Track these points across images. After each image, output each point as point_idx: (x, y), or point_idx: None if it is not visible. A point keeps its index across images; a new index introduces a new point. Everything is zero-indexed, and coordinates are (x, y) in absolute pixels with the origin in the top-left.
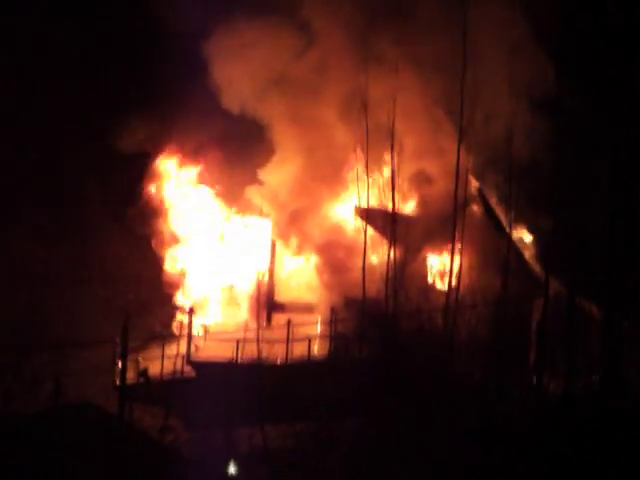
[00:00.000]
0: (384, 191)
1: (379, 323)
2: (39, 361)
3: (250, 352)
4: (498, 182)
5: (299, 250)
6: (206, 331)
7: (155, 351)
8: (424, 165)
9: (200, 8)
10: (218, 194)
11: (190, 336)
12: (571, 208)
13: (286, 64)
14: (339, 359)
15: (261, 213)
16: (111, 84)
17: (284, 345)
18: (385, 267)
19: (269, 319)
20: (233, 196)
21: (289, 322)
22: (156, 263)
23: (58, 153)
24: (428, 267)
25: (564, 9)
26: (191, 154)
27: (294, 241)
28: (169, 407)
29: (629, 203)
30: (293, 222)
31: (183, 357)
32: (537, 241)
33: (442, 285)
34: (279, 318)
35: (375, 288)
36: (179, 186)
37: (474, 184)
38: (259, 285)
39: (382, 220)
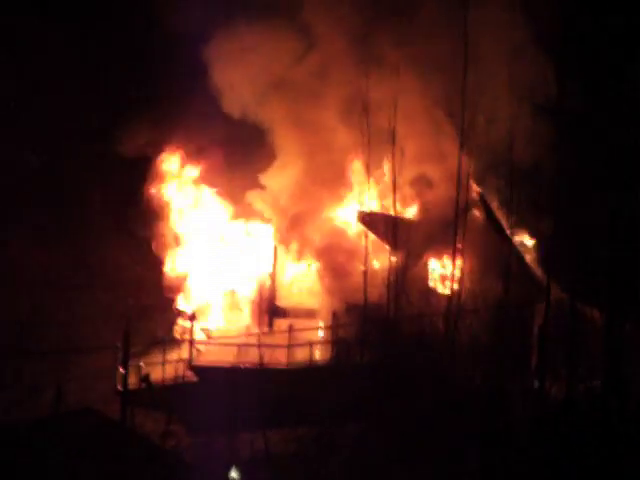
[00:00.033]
0: (385, 196)
1: (380, 328)
2: (40, 366)
3: (252, 357)
4: (499, 186)
5: (300, 255)
6: (208, 336)
7: (157, 356)
8: (425, 169)
9: (201, 9)
10: (220, 198)
11: (192, 341)
12: (572, 211)
13: (287, 68)
14: (341, 364)
15: (262, 218)
16: (112, 85)
17: (286, 350)
18: (386, 272)
19: (271, 324)
20: (235, 200)
21: (291, 327)
22: (157, 268)
23: (58, 155)
24: (429, 271)
25: (564, 11)
26: (192, 157)
27: (295, 246)
28: (171, 412)
29: (630, 206)
30: (294, 227)
31: (185, 362)
32: (538, 245)
33: (443, 289)
34: (281, 323)
35: (377, 293)
36: (180, 189)
37: (475, 189)
38: (261, 290)
39: (383, 225)
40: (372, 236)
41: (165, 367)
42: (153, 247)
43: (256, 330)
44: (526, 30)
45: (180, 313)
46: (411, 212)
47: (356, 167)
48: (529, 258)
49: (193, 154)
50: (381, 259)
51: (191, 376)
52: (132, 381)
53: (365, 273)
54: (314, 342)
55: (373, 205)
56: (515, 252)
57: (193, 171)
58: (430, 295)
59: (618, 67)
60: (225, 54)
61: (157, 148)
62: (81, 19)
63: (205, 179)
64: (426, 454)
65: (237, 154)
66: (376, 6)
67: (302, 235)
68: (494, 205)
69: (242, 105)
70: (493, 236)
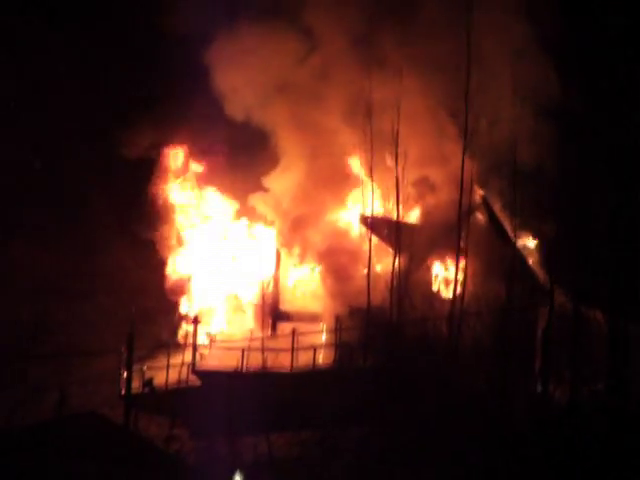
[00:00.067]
0: (388, 199)
1: (384, 332)
2: (44, 370)
3: (255, 361)
4: (502, 188)
5: (303, 258)
6: (211, 340)
7: (160, 360)
8: (428, 172)
9: (202, 11)
10: (223, 201)
11: (195, 345)
12: (575, 212)
13: (289, 70)
14: (344, 368)
15: (266, 221)
16: (114, 87)
17: (289, 354)
18: (390, 275)
19: (274, 328)
20: (238, 203)
21: (294, 331)
22: (161, 271)
23: (61, 157)
24: (432, 275)
25: (566, 13)
26: (195, 159)
27: (298, 249)
28: (174, 416)
29: (633, 207)
30: (297, 230)
31: (188, 366)
32: (541, 247)
33: (447, 293)
34: (284, 327)
35: (380, 296)
36: (183, 192)
37: (479, 192)
38: (264, 294)
39: (386, 228)
40: (375, 239)
41: (169, 371)
42: (157, 247)
43: (259, 334)
44: (528, 31)
45: (184, 317)
46: (414, 215)
47: (359, 170)
48: (532, 261)
49: (196, 156)
50: (384, 262)
51: (194, 380)
52: (136, 385)
53: (368, 277)
54: (317, 346)
55: (376, 208)
56: (518, 255)
57: (196, 173)
58: (433, 299)
59: (619, 68)
60: (227, 57)
61: (160, 150)
62: (82, 19)
63: (208, 182)
64: (429, 458)
65: (240, 157)
66: (378, 7)
67: (305, 238)
68: (497, 207)
69: (245, 108)
70: (496, 239)
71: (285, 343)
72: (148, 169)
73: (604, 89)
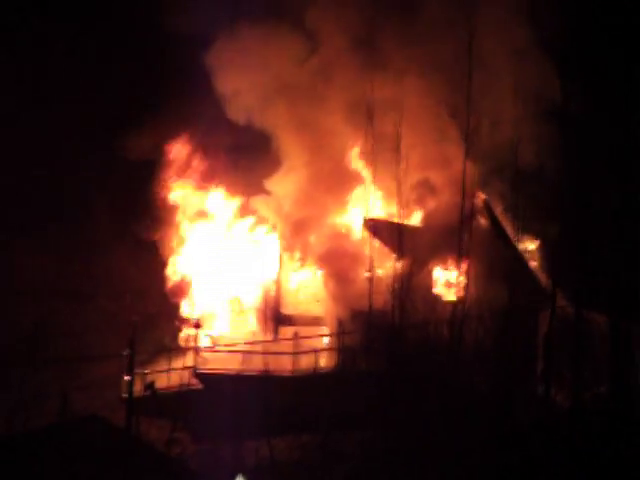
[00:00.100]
0: (390, 202)
1: (386, 335)
2: (46, 374)
3: (257, 364)
4: (504, 191)
5: (304, 261)
6: (213, 343)
7: (162, 364)
8: (430, 175)
9: (203, 13)
10: (225, 203)
11: (197, 349)
12: (577, 214)
13: (290, 72)
14: (346, 371)
15: (268, 224)
16: (115, 89)
17: (291, 357)
18: (391, 279)
19: (276, 331)
20: (240, 206)
21: (296, 334)
22: (162, 275)
23: (62, 161)
24: (434, 278)
25: (567, 14)
26: (197, 161)
27: (299, 252)
28: (176, 420)
29: (635, 208)
30: (298, 233)
31: (190, 369)
32: (543, 251)
33: (448, 296)
34: (286, 330)
35: (382, 300)
36: (185, 191)
37: (480, 196)
38: (266, 297)
39: (388, 232)
40: (377, 242)
41: (170, 375)
42: (159, 248)
43: (261, 337)
44: (530, 33)
45: (185, 320)
46: (416, 218)
47: (360, 172)
48: (534, 265)
49: (198, 159)
50: (386, 266)
51: (196, 384)
52: (137, 389)
53: (370, 280)
54: (319, 349)
55: (378, 212)
56: (520, 258)
57: (198, 173)
58: (435, 302)
59: (621, 69)
60: (228, 59)
61: (162, 149)
62: (83, 19)
63: (211, 182)
64: (432, 461)
65: (242, 159)
66: (379, 8)
67: (306, 241)
68: (498, 210)
69: (246, 110)
70: (498, 242)
71: (287, 346)
72: (150, 170)
73: (605, 90)
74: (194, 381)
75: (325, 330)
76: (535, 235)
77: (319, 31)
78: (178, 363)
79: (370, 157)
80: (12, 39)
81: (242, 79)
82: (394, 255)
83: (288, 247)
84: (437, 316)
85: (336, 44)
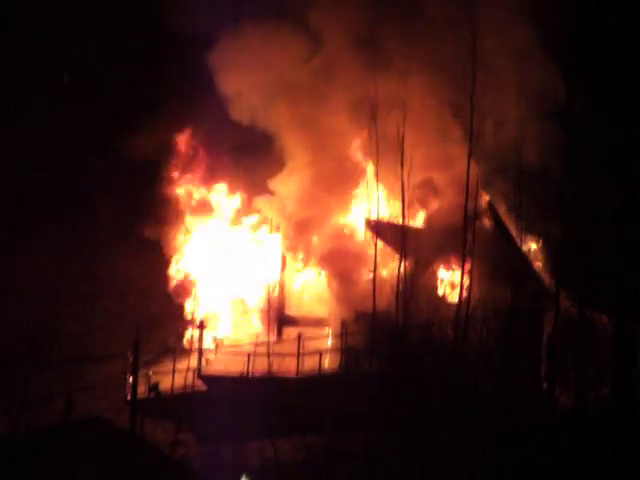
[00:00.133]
0: (393, 203)
1: (390, 336)
2: (50, 376)
3: (261, 366)
4: (507, 191)
5: (306, 262)
6: (217, 345)
7: (166, 365)
8: (433, 176)
9: (206, 13)
10: (229, 204)
11: (201, 350)
12: (580, 215)
13: (293, 72)
14: (350, 372)
15: (271, 225)
16: (117, 89)
17: (295, 359)
18: (395, 280)
19: (280, 333)
20: (244, 206)
21: (300, 336)
22: (166, 276)
23: (64, 161)
24: (438, 279)
25: (569, 15)
26: (200, 161)
27: (302, 253)
28: (180, 421)
29: (637, 208)
30: (301, 233)
31: (194, 371)
32: (547, 251)
33: (452, 297)
34: (290, 332)
35: (385, 301)
36: (189, 194)
37: (484, 197)
38: (270, 298)
39: (392, 233)
40: (380, 243)
41: (174, 376)
42: (162, 246)
43: (265, 339)
44: (532, 33)
45: (189, 322)
46: (420, 220)
47: (364, 172)
48: (537, 265)
49: (201, 158)
50: (390, 267)
51: (200, 385)
52: (141, 390)
53: (374, 281)
54: (323, 351)
55: (382, 212)
56: (524, 259)
57: (201, 175)
58: (439, 303)
59: (622, 69)
60: (231, 60)
61: (165, 151)
62: (84, 19)
63: (213, 184)
64: (436, 461)
65: (245, 160)
66: (382, 7)
67: (310, 242)
68: (502, 210)
69: (249, 110)
70: (502, 243)
71: (291, 348)
72: (152, 170)
73: (608, 90)
74: (198, 382)
75: (329, 331)
76: (538, 235)
77: (322, 31)
78: (182, 364)
79: (373, 157)
80: (12, 39)
81: (245, 79)
82: (397, 256)
83: (291, 248)
84: (441, 317)
85: (339, 44)
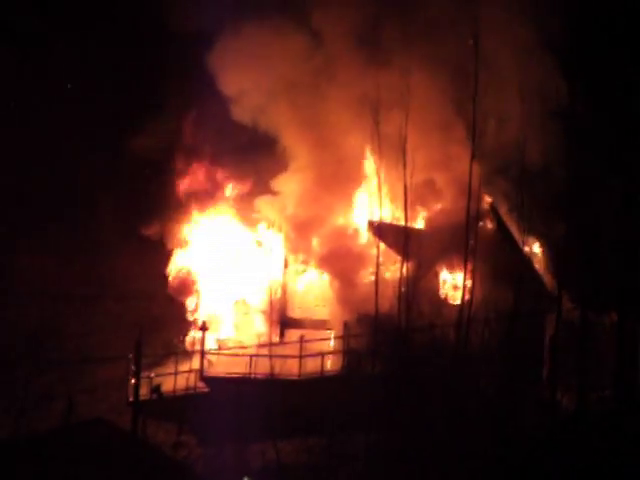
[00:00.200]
0: (396, 204)
1: (392, 338)
2: (51, 377)
3: (263, 367)
4: (508, 190)
5: (307, 263)
6: (219, 346)
7: (168, 367)
8: (435, 177)
9: (206, 12)
10: (231, 205)
11: (203, 352)
12: (582, 215)
13: (295, 71)
14: (352, 374)
15: (273, 226)
16: (118, 88)
17: (297, 360)
18: (397, 282)
19: (282, 334)
20: (246, 207)
21: (302, 337)
22: (167, 274)
23: (65, 161)
24: (440, 281)
25: (570, 14)
26: (201, 161)
27: (304, 254)
28: (182, 423)
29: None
30: (303, 234)
31: (196, 373)
32: (549, 253)
33: (454, 299)
34: (292, 333)
35: (388, 303)
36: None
37: (486, 199)
38: (272, 300)
39: (394, 235)
40: (383, 246)
41: (176, 378)
42: (164, 246)
43: (267, 340)
44: (533, 33)
45: (192, 323)
46: (422, 222)
47: (366, 173)
48: (539, 267)
49: (202, 158)
50: (392, 269)
51: (202, 387)
52: (143, 392)
53: (376, 283)
54: (325, 352)
55: (383, 214)
56: (526, 261)
57: (203, 175)
58: (441, 305)
59: (624, 69)
60: (232, 59)
61: (167, 153)
62: (85, 19)
63: (216, 185)
64: (438, 464)
65: (247, 161)
66: (383, 5)
67: (311, 243)
68: (503, 211)
69: (251, 110)
70: (504, 245)
71: (293, 350)
72: (153, 170)
73: (609, 89)
74: (200, 384)
75: (331, 333)
76: (540, 236)
77: (323, 29)
78: (184, 366)
79: (376, 155)
80: (12, 39)
81: (246, 78)
82: (399, 258)
83: (293, 249)
84: (443, 319)
85: (340, 42)
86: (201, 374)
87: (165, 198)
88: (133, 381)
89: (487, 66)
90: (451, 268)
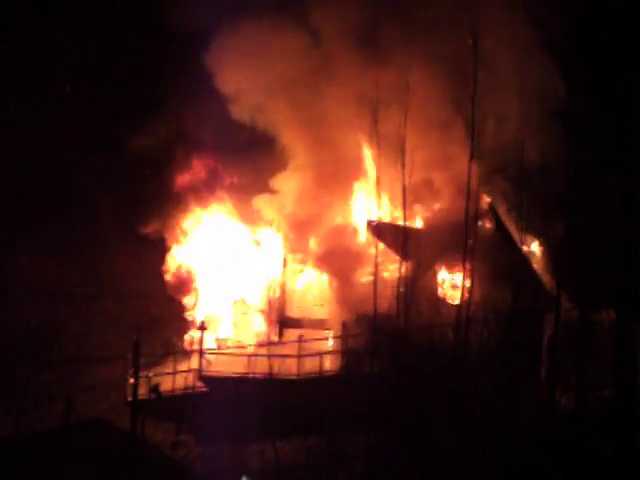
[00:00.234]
0: (394, 204)
1: (390, 338)
2: (51, 377)
3: (262, 367)
4: (507, 190)
5: (305, 262)
6: (218, 346)
7: (167, 366)
8: (434, 176)
9: (204, 11)
10: (229, 205)
11: (201, 351)
12: (580, 215)
13: (293, 70)
14: (350, 374)
15: (272, 225)
16: (117, 88)
17: (295, 360)
18: (396, 282)
19: (281, 334)
20: (244, 207)
21: (300, 337)
22: (166, 270)
23: (64, 161)
24: (439, 281)
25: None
26: (201, 160)
27: (303, 253)
28: (181, 422)
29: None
30: (302, 234)
31: (195, 372)
32: (547, 252)
33: (453, 299)
34: (291, 333)
35: (386, 303)
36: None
37: (485, 199)
38: (270, 300)
39: (392, 234)
40: (381, 246)
41: (175, 377)
42: (163, 245)
43: (266, 340)
44: (532, 33)
45: (190, 323)
46: (420, 221)
47: (365, 174)
48: (538, 267)
49: (201, 157)
50: (390, 269)
51: (201, 386)
52: (142, 391)
53: (374, 283)
54: (324, 352)
55: (382, 214)
56: (524, 261)
57: (202, 174)
58: (440, 305)
59: (623, 69)
60: (230, 58)
61: (166, 152)
62: (85, 19)
63: (215, 184)
64: (436, 464)
65: (246, 160)
66: (382, 5)
67: (310, 242)
68: (502, 210)
69: (250, 109)
70: (502, 245)
71: (292, 349)
72: (153, 169)
73: (608, 89)
74: (199, 384)
75: (330, 333)
76: (539, 236)
77: (321, 27)
78: (183, 365)
79: (374, 155)
80: (12, 39)
81: (244, 77)
82: (398, 257)
83: (292, 249)
84: (442, 319)
85: (338, 40)
86: (200, 374)
87: (164, 195)
88: (132, 381)
89: (486, 66)
90: (450, 268)
